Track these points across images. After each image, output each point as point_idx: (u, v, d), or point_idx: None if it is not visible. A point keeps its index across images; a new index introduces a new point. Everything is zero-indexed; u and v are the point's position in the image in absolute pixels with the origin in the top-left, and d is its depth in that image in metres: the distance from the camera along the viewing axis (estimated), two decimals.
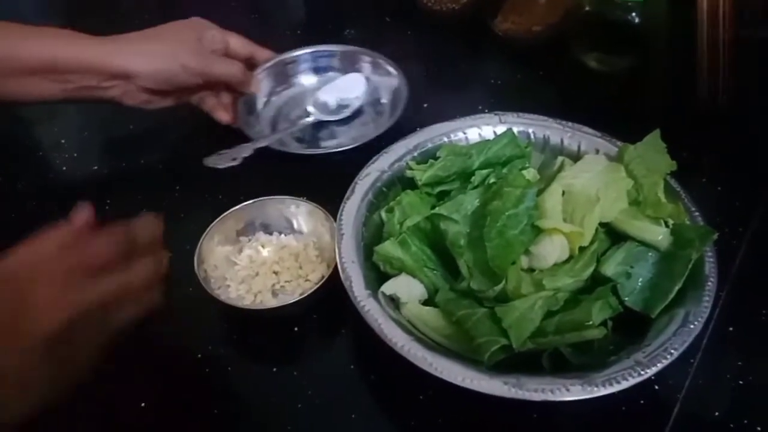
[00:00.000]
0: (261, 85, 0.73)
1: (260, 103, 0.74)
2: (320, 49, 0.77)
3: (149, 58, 0.62)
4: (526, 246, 0.47)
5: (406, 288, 0.49)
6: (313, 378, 0.50)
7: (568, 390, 0.41)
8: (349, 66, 0.76)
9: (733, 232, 0.57)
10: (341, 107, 0.73)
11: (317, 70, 0.77)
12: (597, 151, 0.56)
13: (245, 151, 0.64)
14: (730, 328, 0.51)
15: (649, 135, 0.54)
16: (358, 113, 0.73)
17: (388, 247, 0.50)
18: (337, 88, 0.74)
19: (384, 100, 0.74)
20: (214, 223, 0.55)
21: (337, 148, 0.66)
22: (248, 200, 0.57)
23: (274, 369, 0.51)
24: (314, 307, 0.53)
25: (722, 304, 0.51)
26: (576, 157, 0.56)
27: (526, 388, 0.41)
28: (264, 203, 0.58)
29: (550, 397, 0.41)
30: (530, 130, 0.58)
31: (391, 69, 0.73)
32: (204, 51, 0.65)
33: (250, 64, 0.72)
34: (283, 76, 0.76)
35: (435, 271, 0.50)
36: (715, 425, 0.46)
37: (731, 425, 0.46)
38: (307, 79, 0.77)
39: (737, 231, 0.57)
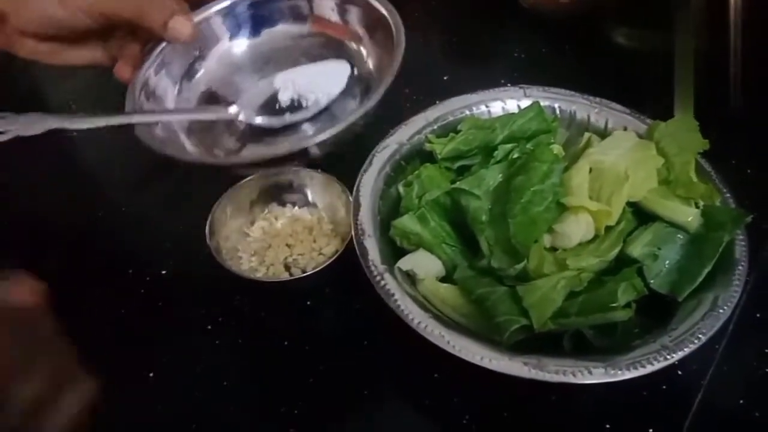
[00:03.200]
0: (208, 34, 0.50)
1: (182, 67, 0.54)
2: None
3: None
4: (551, 224, 0.45)
5: (424, 264, 0.47)
6: (325, 353, 0.49)
7: (590, 373, 0.39)
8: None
9: (763, 215, 0.55)
10: (297, 105, 0.55)
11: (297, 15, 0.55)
12: (625, 129, 0.54)
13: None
14: (758, 315, 0.49)
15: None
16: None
17: (406, 222, 0.48)
18: (305, 77, 0.56)
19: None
20: (227, 193, 0.54)
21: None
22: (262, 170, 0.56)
23: (285, 343, 0.50)
24: (328, 281, 0.52)
25: (750, 289, 0.49)
26: (603, 134, 0.54)
27: (547, 369, 0.40)
28: (278, 174, 0.56)
29: (572, 380, 0.39)
30: (556, 105, 0.56)
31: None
32: None
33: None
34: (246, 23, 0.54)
35: (453, 248, 0.48)
36: (739, 413, 0.45)
37: (756, 413, 0.45)
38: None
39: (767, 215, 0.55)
